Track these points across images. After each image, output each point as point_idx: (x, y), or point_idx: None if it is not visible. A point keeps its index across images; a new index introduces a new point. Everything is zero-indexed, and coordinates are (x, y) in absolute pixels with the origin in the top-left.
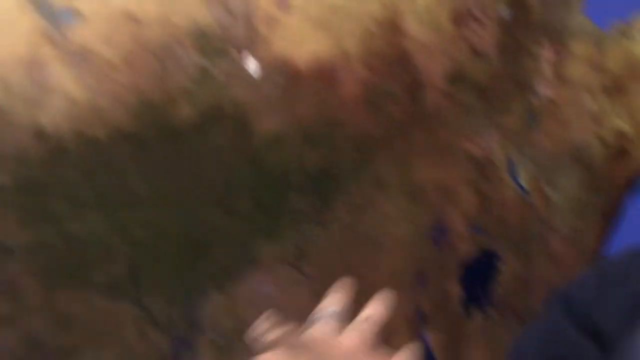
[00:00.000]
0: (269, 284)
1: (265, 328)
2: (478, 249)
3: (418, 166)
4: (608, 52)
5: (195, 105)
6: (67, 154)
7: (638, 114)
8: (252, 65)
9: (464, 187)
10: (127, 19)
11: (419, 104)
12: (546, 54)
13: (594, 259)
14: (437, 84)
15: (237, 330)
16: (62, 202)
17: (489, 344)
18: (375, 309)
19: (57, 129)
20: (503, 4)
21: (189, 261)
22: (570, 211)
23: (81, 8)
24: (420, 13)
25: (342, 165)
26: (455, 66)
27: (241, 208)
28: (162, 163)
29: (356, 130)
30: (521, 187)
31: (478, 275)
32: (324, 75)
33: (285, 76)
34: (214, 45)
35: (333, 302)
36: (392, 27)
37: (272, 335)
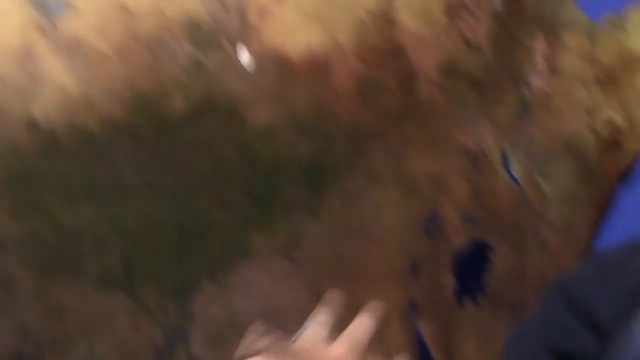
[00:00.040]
0: (262, 274)
1: (253, 338)
2: (471, 239)
3: (411, 158)
4: (601, 44)
5: (187, 97)
6: (59, 146)
7: (630, 107)
8: (244, 57)
9: (457, 179)
10: (120, 11)
11: (412, 96)
12: (539, 45)
13: (585, 250)
14: (430, 76)
15: (230, 320)
16: (54, 193)
17: (481, 334)
18: (365, 320)
19: (49, 120)
20: None
21: (181, 252)
22: (563, 202)
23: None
24: (414, 5)
25: (334, 156)
26: (448, 58)
27: (233, 199)
28: (155, 154)
29: (349, 121)
30: (514, 178)
31: (471, 266)
32: (317, 67)
33: (278, 68)
34: (206, 37)
35: (324, 312)
36: (385, 19)
37: (261, 344)
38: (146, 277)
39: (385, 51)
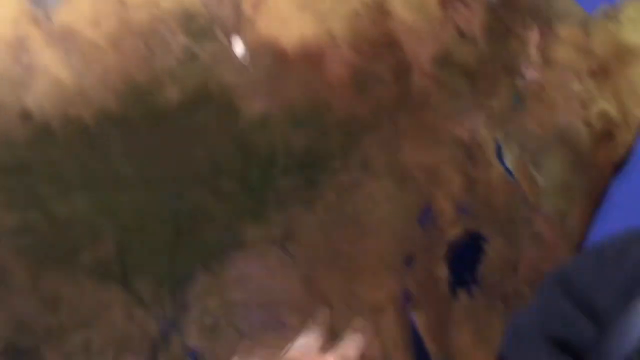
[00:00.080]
0: (256, 264)
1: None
2: (464, 230)
3: (405, 149)
4: (595, 36)
5: (181, 87)
6: (53, 136)
7: (624, 98)
8: (239, 48)
9: (451, 169)
10: (114, 2)
11: (406, 86)
12: (533, 37)
13: (579, 242)
14: (424, 66)
15: (225, 311)
16: (48, 184)
17: (475, 325)
18: (356, 337)
19: (43, 111)
20: None
21: (176, 242)
22: (556, 193)
23: None
24: None
25: (328, 147)
26: (442, 49)
27: (228, 189)
28: (149, 145)
29: (343, 112)
30: (507, 169)
31: (464, 257)
32: (311, 59)
33: (272, 59)
34: (200, 27)
35: (315, 325)
36: (379, 9)
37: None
38: (141, 268)
39: (379, 43)
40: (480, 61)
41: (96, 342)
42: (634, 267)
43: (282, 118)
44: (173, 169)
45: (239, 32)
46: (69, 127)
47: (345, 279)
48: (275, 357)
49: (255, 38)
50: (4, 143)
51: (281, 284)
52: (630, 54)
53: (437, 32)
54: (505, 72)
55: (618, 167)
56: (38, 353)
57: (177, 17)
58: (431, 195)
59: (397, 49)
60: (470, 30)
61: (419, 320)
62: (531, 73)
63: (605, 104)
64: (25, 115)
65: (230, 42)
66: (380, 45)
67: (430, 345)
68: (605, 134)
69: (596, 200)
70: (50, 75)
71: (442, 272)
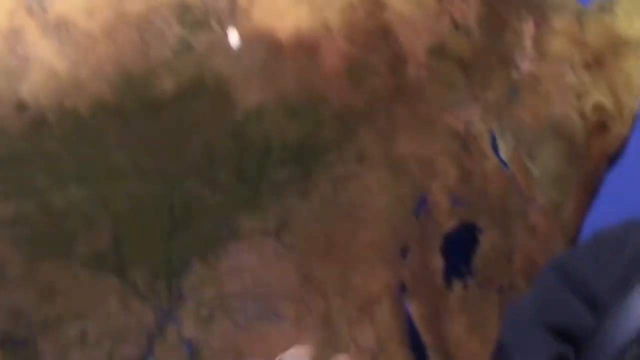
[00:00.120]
0: (251, 255)
1: None
2: (459, 221)
3: (400, 140)
4: (589, 27)
5: (176, 78)
6: (48, 126)
7: (618, 90)
8: (234, 39)
9: (446, 160)
10: None
11: (401, 77)
12: (528, 29)
13: (573, 233)
14: (420, 58)
15: (220, 301)
16: (43, 174)
17: (470, 316)
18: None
19: (38, 102)
20: None
21: (171, 233)
22: (550, 184)
23: None
24: None
25: (324, 138)
26: (437, 41)
27: (223, 180)
28: (144, 135)
29: (338, 103)
30: (502, 160)
31: (459, 247)
32: (305, 48)
33: (267, 48)
34: (195, 17)
35: (301, 345)
36: (375, 1)
37: None
38: (136, 259)
39: (374, 34)
40: (476, 53)
41: (92, 333)
42: (633, 256)
43: (277, 109)
44: (168, 160)
45: (233, 22)
46: (65, 117)
47: (340, 270)
48: None
49: (251, 29)
50: None
51: (276, 274)
52: (625, 46)
53: (433, 24)
54: (501, 63)
55: (612, 159)
56: (34, 344)
57: (172, 8)
58: (426, 186)
59: (392, 40)
60: (466, 22)
61: (414, 311)
62: (526, 65)
63: (599, 96)
64: (21, 107)
65: (225, 33)
66: (375, 36)
67: (425, 336)
68: (600, 125)
69: (590, 191)
70: (46, 67)
71: (437, 263)
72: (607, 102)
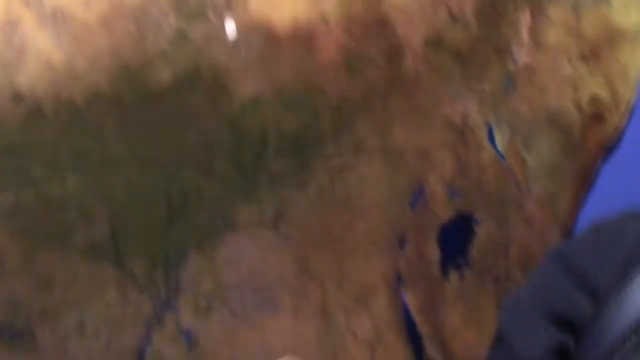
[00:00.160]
0: (248, 245)
1: None
2: (455, 211)
3: (397, 131)
4: (586, 18)
5: (172, 69)
6: (44, 117)
7: (614, 80)
8: (230, 29)
9: (442, 152)
10: None
11: (398, 69)
12: (525, 20)
13: (568, 223)
14: (416, 49)
15: (218, 291)
16: (40, 165)
17: (466, 307)
18: None
19: (35, 92)
20: None
21: (169, 223)
22: (546, 175)
23: None
24: None
25: (320, 128)
26: (434, 33)
27: (220, 171)
28: (140, 126)
29: (335, 94)
30: (498, 151)
31: (455, 238)
32: (302, 40)
33: (263, 39)
34: (192, 9)
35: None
36: None
37: None
38: (134, 249)
39: (371, 24)
40: (472, 45)
41: (90, 323)
42: (632, 247)
43: (274, 100)
44: (165, 150)
45: (230, 13)
46: (61, 107)
47: (337, 260)
48: None
49: (248, 20)
50: None
51: (273, 265)
52: (621, 37)
53: (429, 15)
54: (497, 55)
55: (608, 150)
56: (32, 335)
57: None
58: (423, 177)
59: (389, 31)
60: (462, 13)
61: (411, 301)
62: (523, 56)
63: (596, 87)
64: (17, 98)
65: (222, 24)
66: (372, 27)
67: (422, 326)
68: (596, 117)
69: (586, 183)
70: (42, 58)
71: (434, 253)
72: (603, 93)
